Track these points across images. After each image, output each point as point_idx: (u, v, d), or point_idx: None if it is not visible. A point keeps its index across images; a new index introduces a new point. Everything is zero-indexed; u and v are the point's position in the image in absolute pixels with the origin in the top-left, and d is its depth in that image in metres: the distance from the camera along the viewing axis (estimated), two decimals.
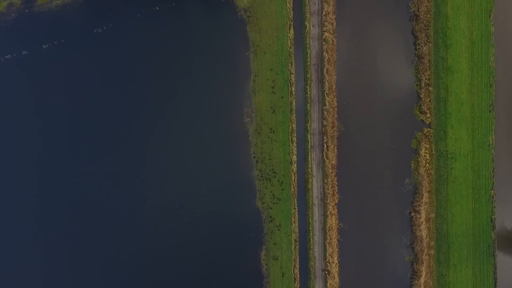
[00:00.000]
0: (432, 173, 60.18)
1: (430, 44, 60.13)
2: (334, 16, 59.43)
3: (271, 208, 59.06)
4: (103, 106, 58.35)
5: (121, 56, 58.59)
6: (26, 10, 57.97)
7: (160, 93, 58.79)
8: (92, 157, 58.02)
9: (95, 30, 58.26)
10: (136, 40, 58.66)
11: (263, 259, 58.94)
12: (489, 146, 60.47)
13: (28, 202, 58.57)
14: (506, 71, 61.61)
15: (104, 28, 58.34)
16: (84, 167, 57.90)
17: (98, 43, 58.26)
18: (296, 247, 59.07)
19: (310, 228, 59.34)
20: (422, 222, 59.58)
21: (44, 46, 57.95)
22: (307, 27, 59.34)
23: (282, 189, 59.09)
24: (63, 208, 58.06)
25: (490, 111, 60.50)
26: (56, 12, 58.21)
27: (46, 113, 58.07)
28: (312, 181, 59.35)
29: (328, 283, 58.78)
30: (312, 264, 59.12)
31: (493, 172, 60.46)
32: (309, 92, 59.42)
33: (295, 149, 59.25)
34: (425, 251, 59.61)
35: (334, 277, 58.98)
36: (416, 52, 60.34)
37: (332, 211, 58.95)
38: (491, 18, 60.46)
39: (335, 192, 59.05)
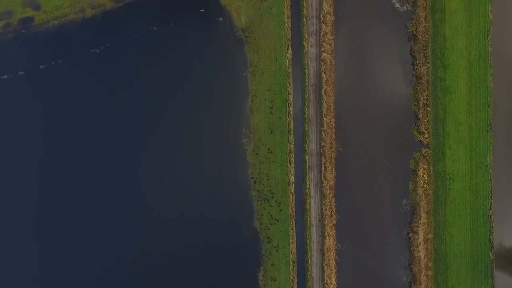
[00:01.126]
0: (430, 193, 60.13)
1: (428, 65, 60.13)
2: (332, 37, 59.39)
3: (269, 229, 58.90)
4: (101, 127, 58.03)
5: (118, 76, 58.38)
6: (23, 31, 57.69)
7: (157, 113, 58.54)
8: (89, 184, 57.64)
9: (92, 50, 58.02)
10: (134, 60, 58.45)
11: (261, 280, 58.76)
12: (487, 166, 60.47)
13: (24, 221, 58.29)
14: (504, 91, 61.67)
15: (102, 48, 58.10)
16: (82, 195, 57.58)
17: (96, 63, 57.98)
18: (294, 268, 58.90)
19: (308, 249, 59.19)
20: (420, 243, 59.51)
21: (41, 67, 57.65)
22: (305, 48, 59.26)
23: (280, 210, 58.93)
24: (59, 219, 57.81)
25: (488, 131, 60.52)
26: (53, 32, 57.94)
27: (44, 134, 57.67)
28: (310, 202, 59.22)
29: None
30: (310, 285, 58.96)
31: (491, 192, 60.45)
32: (307, 113, 59.31)
33: (293, 169, 59.11)
34: (423, 272, 59.53)
35: None
36: (414, 73, 60.34)
37: (330, 232, 58.82)
38: (488, 38, 60.58)
39: (333, 213, 58.93)
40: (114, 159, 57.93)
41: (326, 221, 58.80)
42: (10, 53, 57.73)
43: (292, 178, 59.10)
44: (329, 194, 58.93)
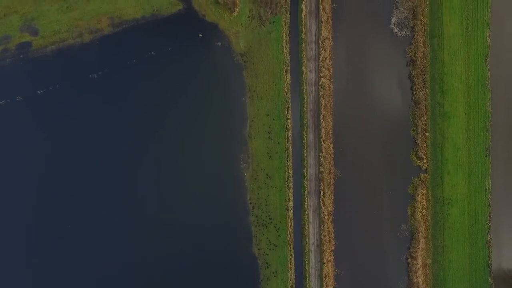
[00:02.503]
0: (429, 219, 60.09)
1: (426, 90, 60.18)
2: (331, 62, 59.36)
3: (267, 255, 58.70)
4: (99, 153, 57.74)
5: (117, 101, 58.11)
6: (21, 56, 57.38)
7: (155, 139, 58.30)
8: (87, 208, 57.40)
9: (90, 75, 57.74)
10: (132, 85, 58.22)
11: None
12: (486, 190, 60.57)
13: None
14: (502, 115, 61.83)
15: (100, 73, 57.82)
16: (80, 225, 57.35)
17: (94, 88, 57.70)
18: None
19: (307, 275, 59.00)
20: (418, 268, 59.43)
21: (39, 92, 57.30)
22: (304, 73, 59.22)
23: (279, 235, 58.76)
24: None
25: (486, 155, 60.63)
26: (51, 58, 57.59)
27: (42, 159, 57.31)
28: (308, 228, 59.07)
29: None
30: None
31: (489, 217, 60.53)
32: (305, 138, 59.22)
33: (292, 195, 58.98)
34: None
35: None
36: (413, 98, 60.37)
37: (329, 258, 58.67)
38: (487, 63, 60.73)
39: (331, 239, 58.78)
40: (112, 184, 57.59)
41: (325, 247, 58.65)
42: (7, 78, 57.26)
43: (291, 204, 58.96)
44: (328, 219, 58.80)
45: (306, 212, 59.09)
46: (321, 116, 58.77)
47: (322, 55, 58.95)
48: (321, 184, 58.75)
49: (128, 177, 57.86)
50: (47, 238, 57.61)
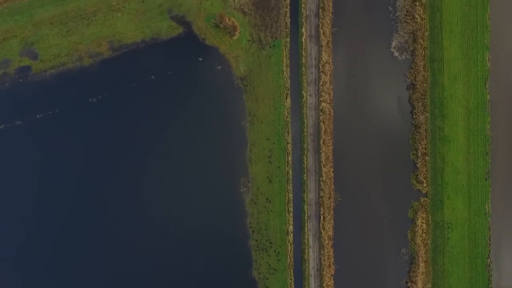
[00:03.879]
0: (429, 243, 60.03)
1: (426, 114, 60.17)
2: (331, 86, 59.34)
3: (267, 279, 58.56)
4: (99, 177, 57.55)
5: (117, 125, 58.01)
6: (20, 80, 57.23)
7: (155, 162, 58.20)
8: (87, 232, 57.22)
9: (90, 99, 57.62)
10: (132, 109, 58.12)
11: None
12: (486, 214, 60.54)
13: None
14: (502, 138, 61.79)
15: (99, 97, 57.72)
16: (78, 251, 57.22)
17: (93, 112, 57.57)
18: None
19: None
20: None
21: (38, 116, 57.17)
22: (304, 97, 59.17)
23: (279, 260, 58.63)
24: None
25: (486, 179, 60.61)
26: (51, 82, 57.50)
27: (41, 183, 57.11)
28: (308, 252, 58.96)
29: None
30: None
31: (489, 240, 60.47)
32: (305, 162, 59.13)
33: (292, 219, 58.89)
34: None
35: None
36: (413, 121, 60.35)
37: (329, 283, 58.53)
38: (486, 86, 60.76)
39: (331, 263, 58.69)
40: (112, 209, 57.43)
41: (325, 272, 58.55)
42: (7, 102, 57.26)
43: (291, 228, 58.87)
44: (328, 244, 58.71)
45: (306, 236, 58.99)
46: (321, 141, 58.70)
47: (322, 79, 58.91)
48: (321, 208, 58.67)
49: (128, 203, 57.67)
50: (48, 260, 57.57)
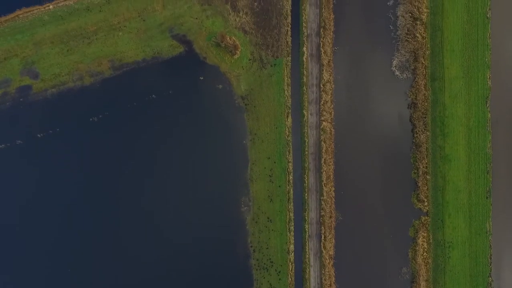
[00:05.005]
0: (430, 262, 60.03)
1: (427, 133, 60.19)
2: (332, 105, 59.35)
3: None
4: (100, 195, 57.43)
5: (117, 144, 57.85)
6: (21, 99, 57.11)
7: (156, 181, 58.05)
8: (88, 251, 57.10)
9: (90, 119, 57.52)
10: (133, 129, 58.00)
11: None
12: (487, 232, 60.57)
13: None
14: (503, 156, 61.84)
15: (100, 116, 57.61)
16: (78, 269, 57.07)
17: (94, 132, 57.47)
18: None
19: None
20: None
21: (39, 135, 57.05)
22: (305, 116, 59.14)
23: (279, 279, 58.54)
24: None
25: (487, 197, 60.67)
26: (52, 101, 57.38)
27: (42, 202, 56.93)
28: (309, 271, 58.90)
29: None
30: None
31: (490, 259, 60.48)
32: (306, 182, 59.11)
33: (293, 238, 58.84)
34: None
35: None
36: (414, 140, 60.36)
37: None
38: (487, 105, 60.84)
39: (332, 283, 58.61)
40: (112, 228, 57.31)
41: None
42: (7, 121, 57.07)
43: (292, 247, 58.81)
44: (329, 263, 58.64)
45: (307, 255, 58.94)
46: (323, 160, 58.68)
47: (323, 98, 58.92)
48: (322, 227, 58.64)
49: (128, 220, 57.54)
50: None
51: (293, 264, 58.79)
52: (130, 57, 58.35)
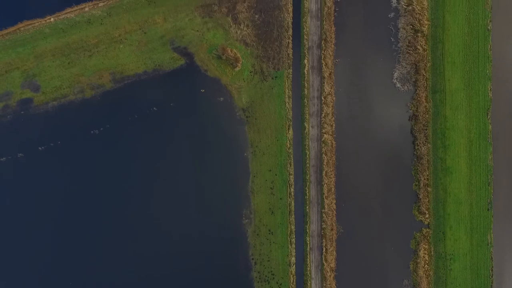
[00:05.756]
0: (431, 274, 59.98)
1: (429, 145, 60.18)
2: (333, 118, 59.34)
3: None
4: (101, 208, 57.35)
5: (119, 157, 57.81)
6: (22, 112, 57.06)
7: (157, 194, 58.01)
8: (89, 267, 57.05)
9: (92, 131, 57.49)
10: (134, 141, 57.97)
11: None
12: (488, 244, 60.54)
13: None
14: (504, 168, 61.86)
15: (101, 129, 57.58)
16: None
17: (96, 145, 57.43)
18: None
19: None
20: None
21: (40, 148, 57.01)
22: (306, 128, 59.14)
23: None
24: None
25: (488, 209, 60.66)
26: (52, 114, 57.33)
27: (43, 216, 56.84)
28: (310, 284, 58.84)
29: None
30: None
31: (491, 271, 60.45)
32: (308, 194, 59.09)
33: (294, 251, 58.78)
34: None
35: None
36: (415, 152, 60.37)
37: None
38: (488, 117, 60.87)
39: None
40: (112, 242, 57.22)
41: None
42: (8, 134, 56.98)
43: (293, 260, 58.76)
44: (330, 276, 58.58)
45: (308, 268, 58.90)
46: (324, 172, 58.66)
47: (324, 111, 58.92)
48: (324, 240, 58.60)
49: (130, 233, 57.46)
50: None
51: (294, 276, 58.73)
52: (131, 70, 58.36)
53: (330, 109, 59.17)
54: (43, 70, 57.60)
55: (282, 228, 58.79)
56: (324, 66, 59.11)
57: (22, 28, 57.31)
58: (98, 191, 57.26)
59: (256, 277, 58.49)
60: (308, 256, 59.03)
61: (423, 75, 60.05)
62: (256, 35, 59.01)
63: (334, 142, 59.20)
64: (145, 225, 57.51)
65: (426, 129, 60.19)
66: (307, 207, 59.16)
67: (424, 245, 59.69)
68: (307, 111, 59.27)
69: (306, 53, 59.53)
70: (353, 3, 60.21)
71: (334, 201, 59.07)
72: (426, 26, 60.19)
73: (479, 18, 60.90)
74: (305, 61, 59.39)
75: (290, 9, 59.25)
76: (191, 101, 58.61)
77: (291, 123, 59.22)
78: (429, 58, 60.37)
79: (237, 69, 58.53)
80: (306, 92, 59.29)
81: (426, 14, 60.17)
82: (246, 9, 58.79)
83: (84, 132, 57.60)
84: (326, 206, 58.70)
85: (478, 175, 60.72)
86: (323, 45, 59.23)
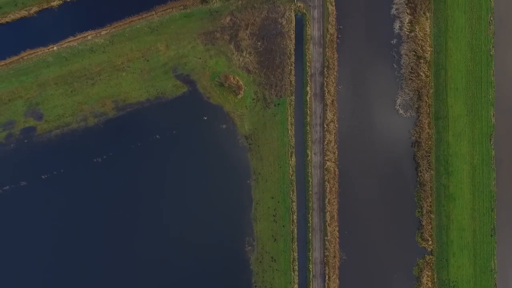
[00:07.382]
0: None
1: (431, 171, 60.09)
2: (336, 145, 59.31)
3: None
4: (104, 236, 57.43)
5: (122, 185, 57.92)
6: (25, 140, 57.18)
7: (161, 222, 58.06)
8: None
9: (94, 160, 57.60)
10: (137, 169, 58.05)
11: None
12: (491, 271, 60.41)
13: None
14: (507, 194, 61.75)
15: (104, 157, 57.68)
16: None
17: (98, 173, 57.53)
18: None
19: None
20: None
21: (43, 177, 57.13)
22: (309, 156, 59.13)
23: None
24: None
25: (492, 235, 60.55)
26: (55, 142, 57.43)
27: (46, 244, 56.99)
28: None
29: None
30: None
31: None
32: (310, 221, 59.07)
33: (297, 278, 58.75)
34: None
35: None
36: (418, 179, 60.29)
37: None
38: (491, 142, 60.74)
39: None
40: (114, 271, 57.29)
41: None
42: (11, 163, 57.12)
43: (296, 287, 58.71)
44: None
45: None
46: (326, 200, 58.63)
47: (327, 138, 58.89)
48: (326, 267, 58.56)
49: (132, 261, 57.57)
50: None
51: None
52: (134, 98, 58.44)
53: (333, 136, 59.14)
54: (46, 98, 57.73)
55: (285, 255, 58.77)
56: (326, 93, 59.09)
57: (25, 57, 57.46)
58: (101, 220, 57.32)
59: None
60: (311, 284, 58.98)
61: (426, 101, 59.99)
62: (258, 62, 59.03)
63: (337, 169, 59.18)
64: (149, 254, 57.57)
65: (429, 156, 60.10)
66: (310, 234, 59.14)
67: (427, 272, 59.59)
68: (309, 138, 59.27)
69: (309, 80, 59.54)
70: (355, 30, 60.15)
71: (337, 229, 59.04)
72: (429, 52, 60.13)
73: (482, 43, 60.82)
74: (308, 88, 59.40)
75: (293, 36, 59.24)
76: (194, 128, 58.65)
77: (293, 150, 59.21)
78: (432, 84, 60.31)
79: (239, 96, 58.57)
80: (308, 119, 59.29)
81: (428, 40, 60.11)
82: (248, 36, 58.80)
83: (87, 160, 57.71)
84: (329, 234, 58.68)
85: (481, 201, 60.61)
86: (326, 72, 59.23)
